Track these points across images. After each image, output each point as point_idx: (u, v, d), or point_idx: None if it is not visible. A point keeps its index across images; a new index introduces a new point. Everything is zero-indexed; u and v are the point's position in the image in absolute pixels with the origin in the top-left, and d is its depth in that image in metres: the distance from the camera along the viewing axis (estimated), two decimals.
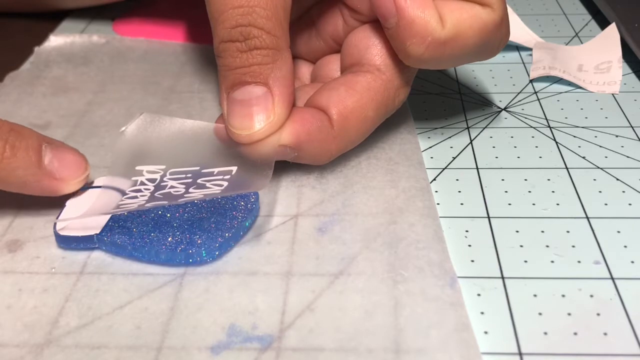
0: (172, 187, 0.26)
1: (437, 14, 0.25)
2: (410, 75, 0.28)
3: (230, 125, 0.26)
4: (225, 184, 0.25)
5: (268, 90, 0.25)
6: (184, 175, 0.26)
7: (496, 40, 0.27)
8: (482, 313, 0.22)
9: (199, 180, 0.26)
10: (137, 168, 0.27)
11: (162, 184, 0.26)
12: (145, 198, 0.25)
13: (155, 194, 0.25)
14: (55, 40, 0.40)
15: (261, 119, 0.25)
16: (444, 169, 0.30)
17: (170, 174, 0.26)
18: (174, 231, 0.25)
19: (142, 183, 0.26)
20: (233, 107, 0.26)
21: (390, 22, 0.26)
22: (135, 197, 0.26)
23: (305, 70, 0.32)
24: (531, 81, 0.36)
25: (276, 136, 0.26)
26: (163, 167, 0.27)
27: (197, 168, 0.26)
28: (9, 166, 0.25)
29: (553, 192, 0.28)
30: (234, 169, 0.26)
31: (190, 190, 0.25)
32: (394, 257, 0.24)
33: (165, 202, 0.25)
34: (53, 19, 0.43)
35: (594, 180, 0.28)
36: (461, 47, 0.26)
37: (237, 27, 0.25)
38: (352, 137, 0.28)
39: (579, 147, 0.30)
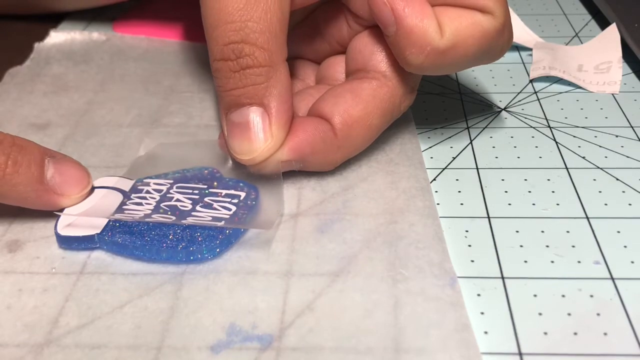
0: (178, 200, 0.26)
1: (436, 23, 0.25)
2: (416, 81, 0.28)
3: (230, 149, 0.26)
4: (234, 208, 0.25)
5: (264, 110, 0.25)
6: (190, 191, 0.26)
7: (498, 46, 0.27)
8: (482, 313, 0.22)
9: (206, 199, 0.26)
10: (145, 180, 0.27)
11: (169, 195, 0.26)
12: (151, 207, 0.25)
13: (161, 205, 0.26)
14: (55, 37, 0.40)
15: (259, 142, 0.25)
16: (444, 169, 0.30)
17: (177, 187, 0.27)
18: (175, 229, 0.25)
19: (148, 192, 0.26)
20: (231, 130, 0.26)
21: (390, 31, 0.26)
22: (140, 203, 0.26)
23: (310, 71, 0.32)
24: (531, 81, 0.36)
25: (278, 154, 0.26)
26: (170, 181, 0.27)
27: (205, 187, 0.26)
28: (10, 182, 0.24)
29: (553, 192, 0.28)
30: (242, 194, 0.26)
31: (197, 208, 0.25)
32: (394, 256, 0.24)
33: (171, 219, 0.25)
34: (53, 20, 0.42)
35: (594, 180, 0.28)
36: (461, 56, 0.26)
37: (229, 45, 0.24)
38: (356, 145, 0.28)
39: (579, 147, 0.30)
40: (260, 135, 0.25)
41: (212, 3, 0.24)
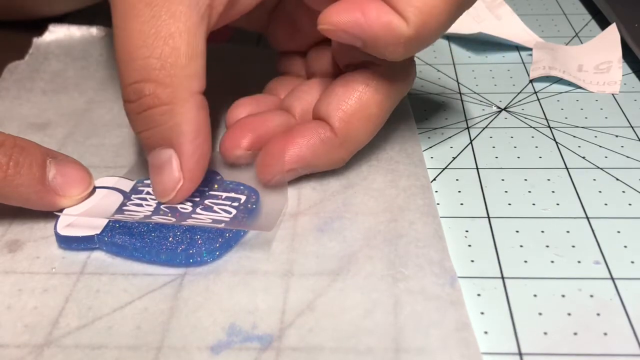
0: None
1: (395, 14, 0.23)
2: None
3: (153, 192, 0.26)
4: (234, 211, 0.25)
5: (174, 151, 0.24)
6: None
7: None
8: (482, 313, 0.22)
9: (206, 202, 0.26)
10: (146, 181, 0.27)
11: None
12: (151, 209, 0.25)
13: (161, 207, 0.26)
14: (54, 31, 0.39)
15: (172, 184, 0.25)
16: (444, 169, 0.30)
17: None
18: (175, 231, 0.25)
19: (148, 193, 0.26)
20: (150, 172, 0.25)
21: (358, 44, 0.25)
22: (140, 205, 0.26)
23: (300, 64, 0.31)
24: (531, 81, 0.36)
25: (281, 167, 0.26)
26: None
27: (206, 189, 0.26)
28: (12, 183, 0.24)
29: (553, 192, 0.28)
30: (243, 198, 0.26)
31: (198, 210, 0.25)
32: (394, 254, 0.24)
33: (171, 221, 0.25)
34: (51, 22, 0.42)
35: (594, 180, 0.28)
36: (438, 25, 0.24)
37: (131, 85, 0.24)
38: (359, 138, 0.27)
39: (579, 147, 0.31)
40: (173, 177, 0.25)
41: (118, 43, 0.24)
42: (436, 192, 0.28)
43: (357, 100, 0.26)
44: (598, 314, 0.22)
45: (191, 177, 0.25)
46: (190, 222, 0.25)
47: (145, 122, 0.24)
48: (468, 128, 0.32)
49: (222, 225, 0.25)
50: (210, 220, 0.25)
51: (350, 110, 0.26)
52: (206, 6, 0.24)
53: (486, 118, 0.33)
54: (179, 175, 0.24)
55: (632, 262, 0.24)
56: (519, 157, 0.30)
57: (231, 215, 0.25)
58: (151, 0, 0.23)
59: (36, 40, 0.39)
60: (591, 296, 0.23)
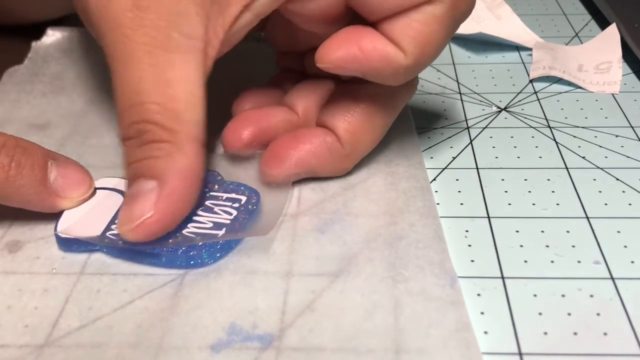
0: None
1: (393, 46, 0.24)
2: None
3: (117, 221, 0.24)
4: (234, 212, 0.25)
5: (158, 184, 0.23)
6: None
7: (465, 14, 0.24)
8: (482, 313, 0.22)
9: (207, 203, 0.26)
10: None
11: None
12: None
13: None
14: (52, 35, 0.39)
15: (138, 214, 0.23)
16: (444, 169, 0.30)
17: None
18: (175, 232, 0.25)
19: None
20: (123, 203, 0.24)
21: (358, 75, 0.25)
22: None
23: (298, 61, 0.31)
24: (531, 81, 0.36)
25: (286, 170, 0.26)
26: None
27: (206, 190, 0.26)
28: (13, 184, 0.24)
29: (553, 192, 0.28)
30: (243, 199, 0.26)
31: (198, 212, 0.25)
32: (394, 256, 0.24)
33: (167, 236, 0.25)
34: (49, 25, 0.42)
35: (594, 180, 0.28)
36: (436, 49, 0.24)
37: (132, 125, 0.24)
38: (364, 148, 0.27)
39: (579, 147, 0.31)
40: (143, 207, 0.23)
41: (117, 90, 0.24)
42: (436, 192, 0.28)
43: (362, 113, 0.27)
44: (598, 314, 0.22)
45: (164, 213, 0.23)
46: (191, 228, 0.25)
47: (141, 153, 0.24)
48: (468, 128, 0.32)
49: (223, 230, 0.24)
50: (211, 224, 0.25)
51: (357, 122, 0.27)
52: (200, 52, 0.24)
53: (486, 118, 0.33)
54: (150, 206, 0.23)
55: (632, 262, 0.24)
56: (519, 157, 0.30)
57: (232, 217, 0.25)
58: (151, 50, 0.23)
59: (35, 45, 0.39)
60: (591, 296, 0.23)
